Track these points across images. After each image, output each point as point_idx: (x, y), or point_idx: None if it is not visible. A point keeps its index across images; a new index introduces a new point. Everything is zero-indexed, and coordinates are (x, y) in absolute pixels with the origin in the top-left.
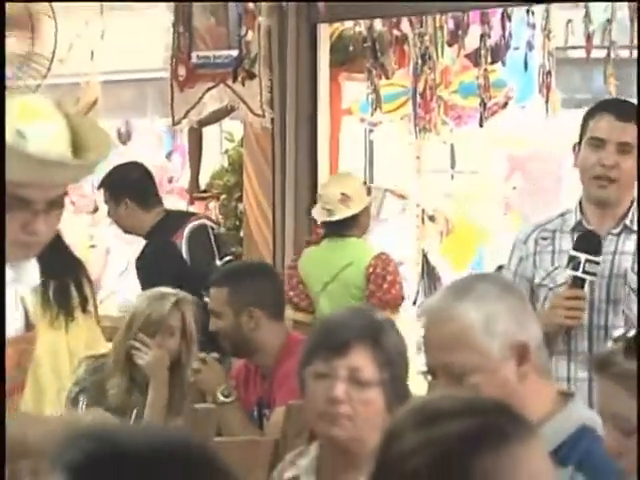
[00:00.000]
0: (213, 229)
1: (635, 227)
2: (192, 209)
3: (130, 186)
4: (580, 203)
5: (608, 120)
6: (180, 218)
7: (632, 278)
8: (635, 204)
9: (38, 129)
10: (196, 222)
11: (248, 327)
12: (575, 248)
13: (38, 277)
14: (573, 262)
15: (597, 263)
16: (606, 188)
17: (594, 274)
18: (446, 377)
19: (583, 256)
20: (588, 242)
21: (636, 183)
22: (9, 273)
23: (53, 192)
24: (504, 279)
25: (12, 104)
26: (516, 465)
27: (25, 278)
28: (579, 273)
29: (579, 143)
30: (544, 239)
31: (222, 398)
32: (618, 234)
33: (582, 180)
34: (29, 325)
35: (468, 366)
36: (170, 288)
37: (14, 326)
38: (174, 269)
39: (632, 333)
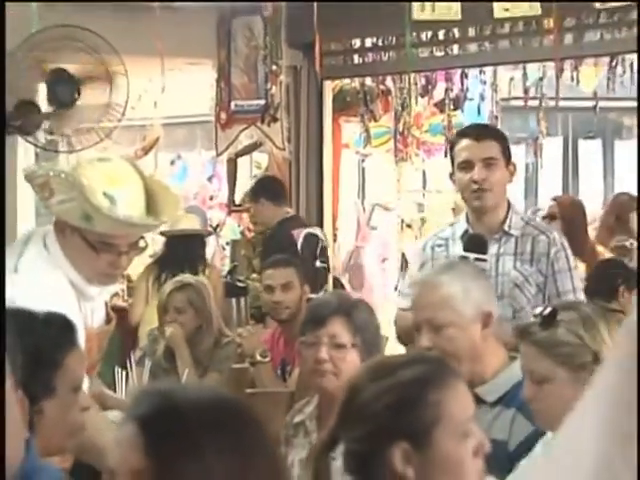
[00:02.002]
0: (322, 240)
1: (513, 231)
2: (230, 218)
3: (265, 188)
4: (466, 214)
5: (468, 143)
6: (301, 221)
7: (514, 275)
8: (511, 211)
9: (123, 194)
10: (312, 230)
11: (304, 297)
12: (465, 250)
13: (113, 289)
14: None
15: (485, 260)
16: (481, 198)
17: (483, 270)
18: (428, 328)
19: (472, 255)
20: (475, 243)
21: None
22: (96, 289)
23: (133, 238)
24: (476, 265)
25: (101, 170)
26: (454, 397)
27: (107, 290)
28: None
29: (452, 172)
30: (439, 246)
31: (260, 358)
32: (499, 239)
33: (463, 197)
34: (109, 319)
35: (447, 321)
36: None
37: (99, 320)
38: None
39: (547, 311)
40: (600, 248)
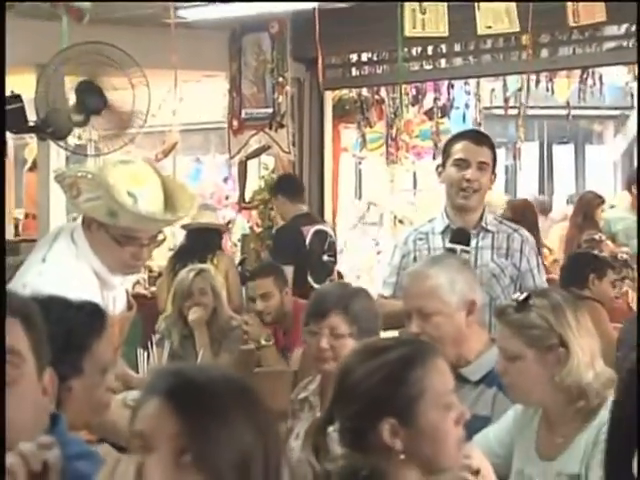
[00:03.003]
0: (330, 236)
1: (490, 227)
2: (240, 216)
3: (281, 185)
4: (445, 211)
5: (467, 145)
6: (313, 218)
7: (492, 266)
8: (486, 211)
9: (144, 192)
10: (322, 226)
11: (286, 302)
12: (451, 242)
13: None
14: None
15: (468, 252)
16: (469, 197)
17: (467, 262)
18: (418, 316)
19: (458, 247)
20: (461, 236)
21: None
22: (118, 279)
23: (153, 232)
24: (462, 259)
25: (124, 171)
26: (435, 373)
27: (128, 279)
28: None
29: (442, 165)
30: (420, 239)
31: (264, 342)
32: (477, 234)
33: (448, 192)
34: (130, 306)
35: (434, 309)
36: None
37: (121, 306)
38: (295, 248)
39: (522, 297)
40: (545, 250)
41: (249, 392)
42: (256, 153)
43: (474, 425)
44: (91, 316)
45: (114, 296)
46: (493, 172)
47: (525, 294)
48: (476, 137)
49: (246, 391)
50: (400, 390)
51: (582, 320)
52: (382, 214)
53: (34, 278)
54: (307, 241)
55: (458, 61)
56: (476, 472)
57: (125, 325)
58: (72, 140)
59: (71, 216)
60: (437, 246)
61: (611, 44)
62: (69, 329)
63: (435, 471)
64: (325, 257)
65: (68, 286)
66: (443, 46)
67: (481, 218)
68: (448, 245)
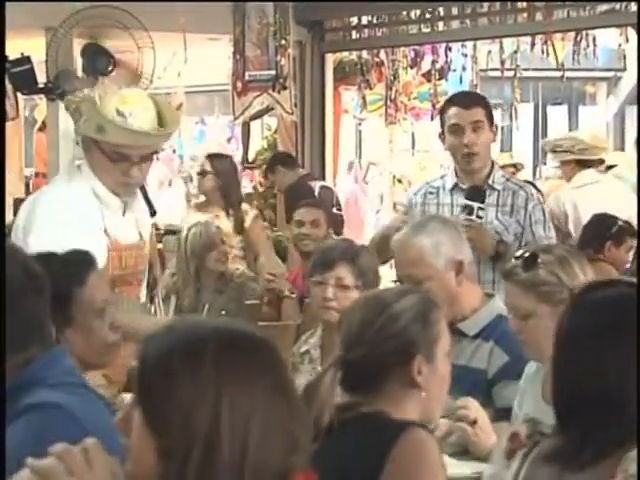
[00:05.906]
0: (334, 192)
1: (496, 185)
2: (244, 174)
3: (277, 157)
4: (455, 169)
5: (457, 110)
6: (314, 177)
7: (496, 224)
8: (494, 168)
9: (134, 111)
10: (324, 183)
11: (329, 237)
12: (468, 199)
13: (145, 208)
14: (467, 209)
15: (484, 209)
16: (471, 162)
17: (482, 217)
18: (409, 283)
19: (476, 204)
20: (477, 194)
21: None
22: (117, 201)
23: (143, 151)
24: (446, 218)
25: (117, 93)
26: (444, 320)
27: (135, 208)
28: (474, 217)
29: (442, 133)
30: (430, 194)
31: (288, 293)
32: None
33: (453, 157)
34: (141, 238)
35: (423, 275)
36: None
37: (133, 237)
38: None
39: (527, 254)
40: None
41: (265, 343)
42: (259, 114)
43: (470, 377)
44: (70, 265)
45: (117, 224)
46: (491, 127)
47: (529, 252)
48: (464, 100)
49: (263, 342)
50: (425, 330)
51: (588, 271)
52: (381, 173)
53: (30, 200)
54: (316, 195)
55: (455, 24)
56: (473, 422)
57: (139, 259)
58: None
59: None
60: (445, 202)
61: (604, 7)
62: (51, 281)
63: (433, 412)
64: (334, 210)
65: (65, 199)
66: (441, 9)
67: (488, 176)
68: (465, 202)
